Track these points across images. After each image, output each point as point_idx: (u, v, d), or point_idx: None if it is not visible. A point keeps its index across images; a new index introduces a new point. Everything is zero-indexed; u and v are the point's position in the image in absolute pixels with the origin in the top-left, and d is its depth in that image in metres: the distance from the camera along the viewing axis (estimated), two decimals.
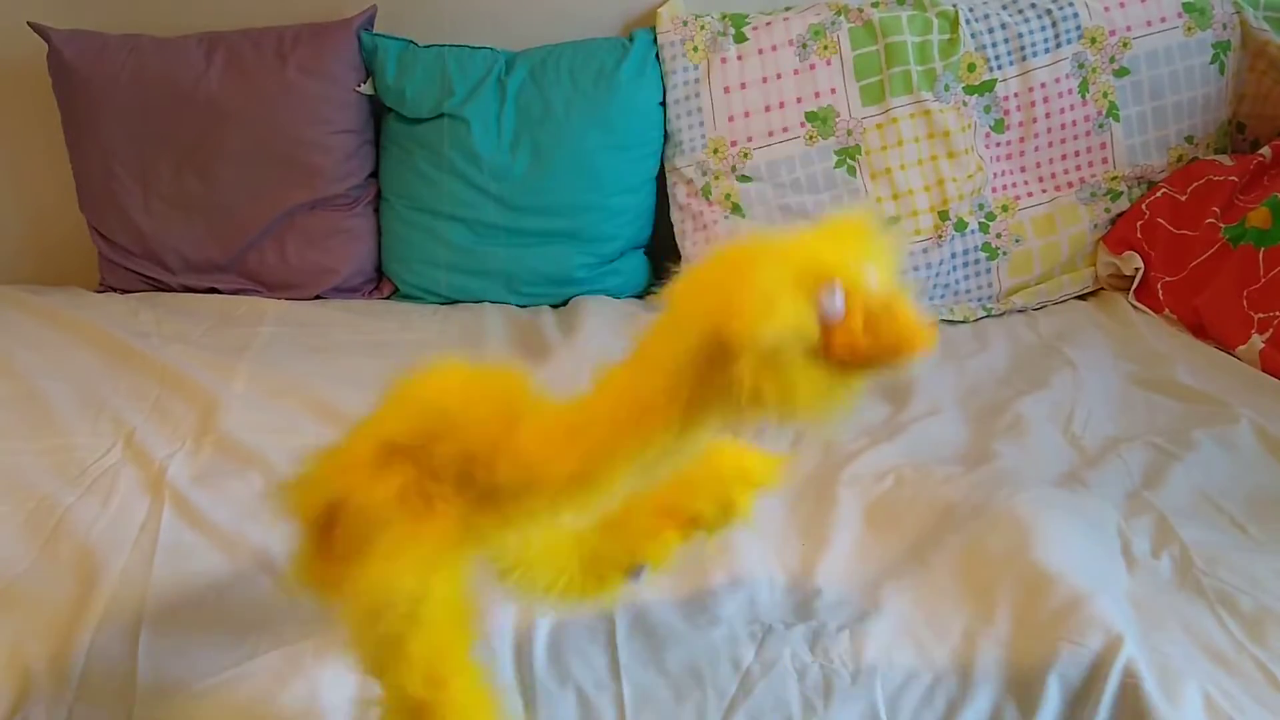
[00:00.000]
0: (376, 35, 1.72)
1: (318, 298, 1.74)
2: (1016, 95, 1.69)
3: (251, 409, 1.29)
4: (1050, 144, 1.71)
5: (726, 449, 0.76)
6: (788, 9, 1.73)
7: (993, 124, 1.70)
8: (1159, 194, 1.67)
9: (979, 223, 1.69)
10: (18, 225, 1.94)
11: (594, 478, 0.61)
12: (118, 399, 1.31)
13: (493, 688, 0.69)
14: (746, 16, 1.71)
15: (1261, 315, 1.42)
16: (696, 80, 1.69)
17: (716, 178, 1.70)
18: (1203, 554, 0.98)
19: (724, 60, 1.68)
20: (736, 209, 1.70)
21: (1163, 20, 1.67)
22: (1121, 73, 1.68)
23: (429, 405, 0.66)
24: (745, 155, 1.69)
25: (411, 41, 1.72)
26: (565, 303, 1.70)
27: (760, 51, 1.68)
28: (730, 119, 1.68)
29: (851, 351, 0.55)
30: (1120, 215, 1.71)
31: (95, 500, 1.09)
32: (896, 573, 0.96)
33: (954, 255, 1.68)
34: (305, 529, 0.72)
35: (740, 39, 1.69)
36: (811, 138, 1.68)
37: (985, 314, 1.65)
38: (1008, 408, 1.28)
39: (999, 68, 1.68)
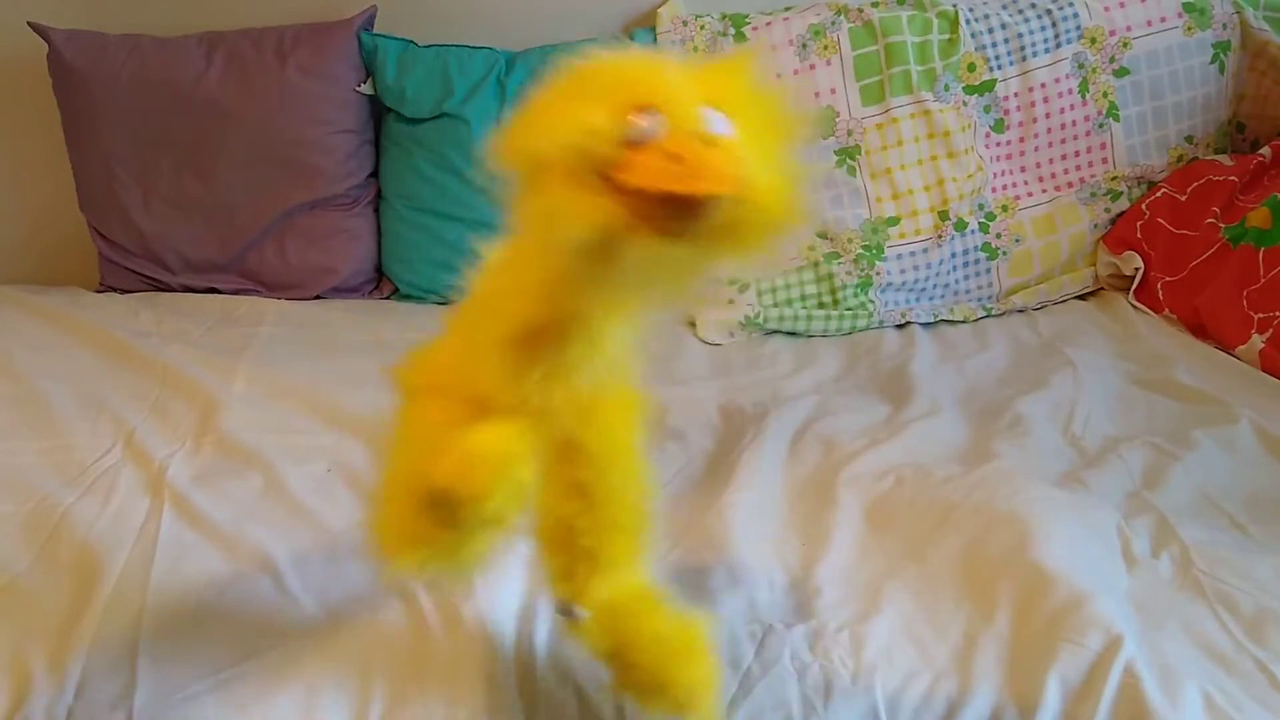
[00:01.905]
0: (376, 35, 1.72)
1: (318, 298, 1.74)
2: (1016, 95, 1.69)
3: (251, 409, 1.28)
4: (1050, 144, 1.71)
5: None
6: (788, 9, 1.73)
7: (993, 124, 1.70)
8: (1159, 194, 1.67)
9: (979, 223, 1.69)
10: (18, 225, 1.94)
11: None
12: (118, 399, 1.31)
13: None
14: (746, 16, 1.70)
15: (1261, 315, 1.42)
16: None
17: None
18: (1203, 554, 0.98)
19: None
20: None
21: (1163, 20, 1.67)
22: (1121, 73, 1.68)
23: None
24: None
25: (411, 41, 1.72)
26: None
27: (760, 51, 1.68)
28: None
29: (643, 174, 0.48)
30: (1120, 215, 1.70)
31: (95, 500, 1.09)
32: (896, 573, 0.96)
33: (954, 255, 1.68)
34: None
35: (740, 39, 1.68)
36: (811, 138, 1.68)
37: (985, 314, 1.65)
38: (1008, 408, 1.28)
39: (999, 68, 1.68)
